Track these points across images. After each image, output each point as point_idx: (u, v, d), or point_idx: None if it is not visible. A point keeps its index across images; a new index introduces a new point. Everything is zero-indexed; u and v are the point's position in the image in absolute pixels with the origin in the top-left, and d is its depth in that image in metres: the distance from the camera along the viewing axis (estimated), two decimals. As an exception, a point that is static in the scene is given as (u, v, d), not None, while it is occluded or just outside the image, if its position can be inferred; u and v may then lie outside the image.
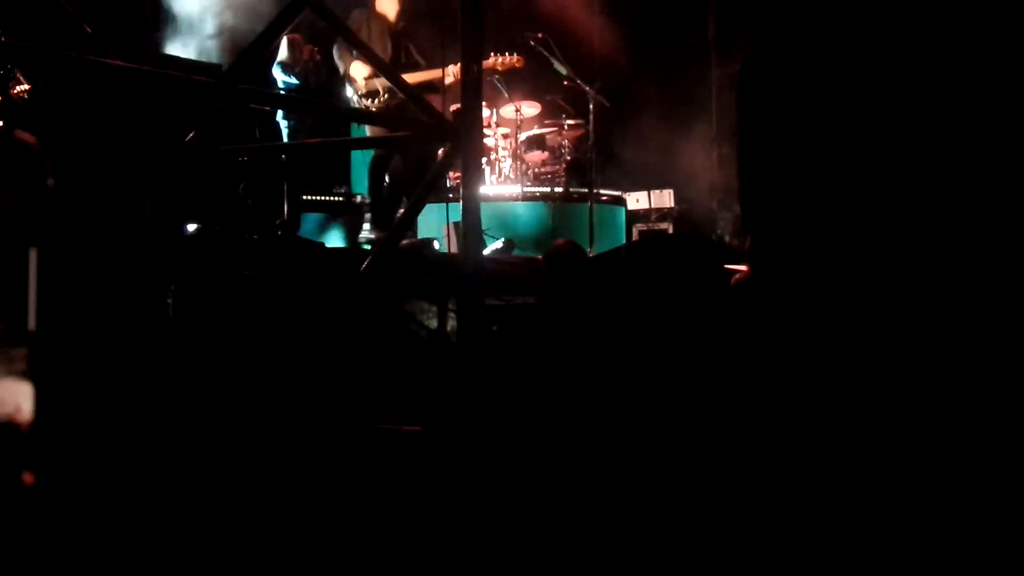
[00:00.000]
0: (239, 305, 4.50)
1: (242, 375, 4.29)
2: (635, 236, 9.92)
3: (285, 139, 8.68)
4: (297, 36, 8.83)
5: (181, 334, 4.05)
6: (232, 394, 4.17)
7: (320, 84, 9.17)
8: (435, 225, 8.05)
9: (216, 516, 3.66)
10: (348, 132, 8.93)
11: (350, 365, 4.64)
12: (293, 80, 8.84)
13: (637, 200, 10.46)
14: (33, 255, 1.32)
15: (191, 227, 6.18)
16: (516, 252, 7.68)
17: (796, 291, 0.80)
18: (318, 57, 9.15)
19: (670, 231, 10.23)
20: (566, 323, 3.99)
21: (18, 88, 5.89)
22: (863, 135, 0.76)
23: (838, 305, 0.79)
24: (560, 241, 4.37)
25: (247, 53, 4.03)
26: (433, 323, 5.72)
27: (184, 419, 3.75)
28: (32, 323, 1.32)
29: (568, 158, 9.72)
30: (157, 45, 8.85)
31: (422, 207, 4.07)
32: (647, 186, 10.52)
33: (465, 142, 3.66)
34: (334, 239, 9.41)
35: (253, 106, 8.51)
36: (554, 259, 4.14)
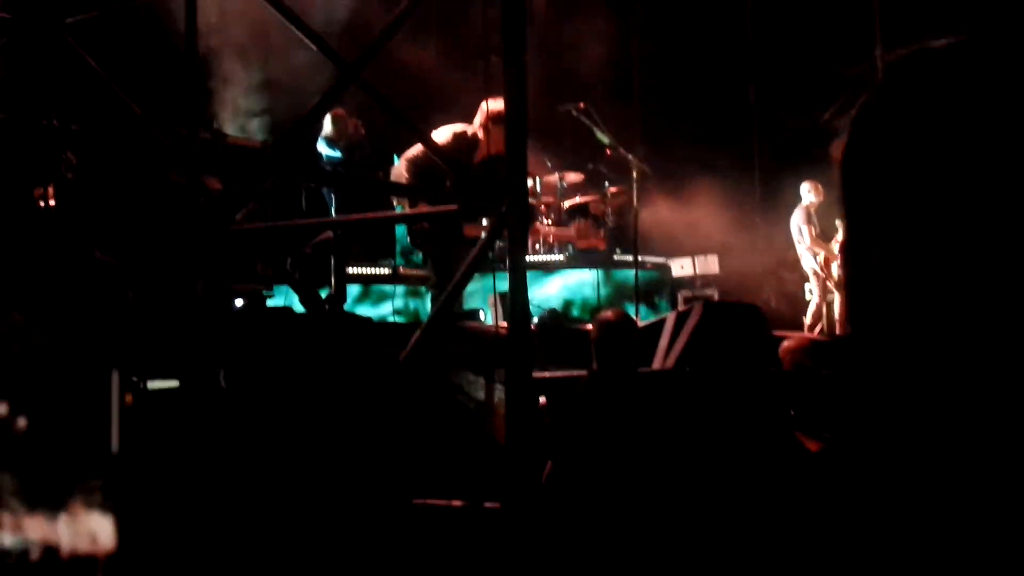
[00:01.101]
0: (289, 381, 4.50)
1: (292, 450, 4.26)
2: (680, 303, 9.85)
3: (332, 210, 8.70)
4: (341, 110, 8.90)
5: (235, 413, 4.04)
6: (283, 470, 4.14)
7: (364, 157, 9.22)
8: (481, 295, 8.04)
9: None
10: (393, 205, 8.95)
11: (399, 439, 4.61)
12: (337, 154, 8.89)
13: (682, 266, 10.40)
14: (115, 377, 1.28)
15: (239, 302, 6.21)
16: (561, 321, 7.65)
17: (908, 386, 0.75)
18: (362, 131, 9.21)
19: (715, 297, 10.14)
20: (619, 394, 3.93)
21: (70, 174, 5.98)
22: (994, 206, 0.70)
23: (964, 397, 0.73)
24: (610, 311, 4.32)
25: (294, 130, 4.08)
26: (480, 395, 5.67)
27: (238, 496, 3.73)
28: (115, 447, 1.27)
29: (611, 225, 9.71)
30: (206, 122, 8.97)
31: (468, 282, 4.06)
32: (691, 252, 10.46)
33: (511, 218, 3.66)
34: (380, 312, 9.42)
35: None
36: (605, 330, 4.08)
